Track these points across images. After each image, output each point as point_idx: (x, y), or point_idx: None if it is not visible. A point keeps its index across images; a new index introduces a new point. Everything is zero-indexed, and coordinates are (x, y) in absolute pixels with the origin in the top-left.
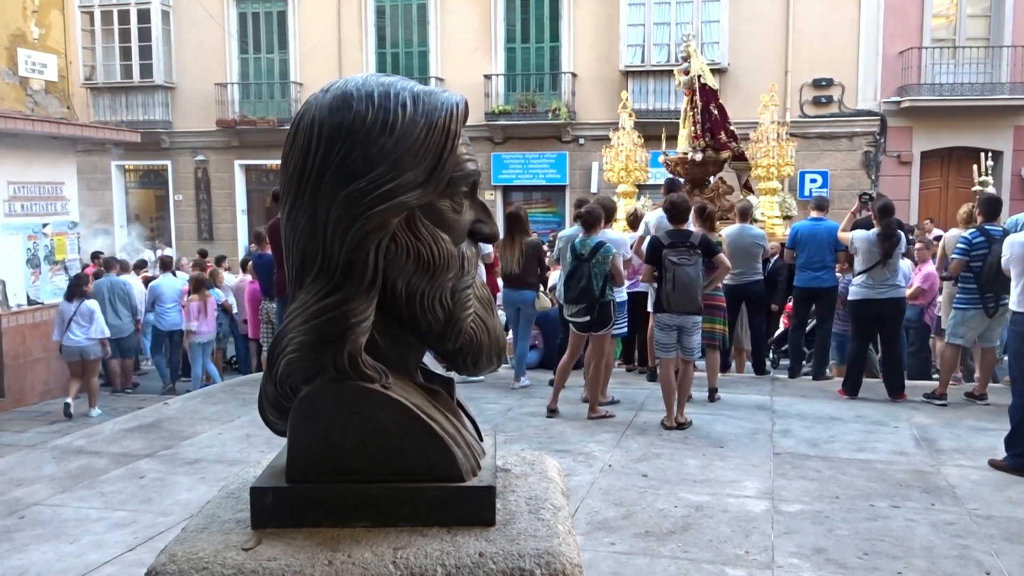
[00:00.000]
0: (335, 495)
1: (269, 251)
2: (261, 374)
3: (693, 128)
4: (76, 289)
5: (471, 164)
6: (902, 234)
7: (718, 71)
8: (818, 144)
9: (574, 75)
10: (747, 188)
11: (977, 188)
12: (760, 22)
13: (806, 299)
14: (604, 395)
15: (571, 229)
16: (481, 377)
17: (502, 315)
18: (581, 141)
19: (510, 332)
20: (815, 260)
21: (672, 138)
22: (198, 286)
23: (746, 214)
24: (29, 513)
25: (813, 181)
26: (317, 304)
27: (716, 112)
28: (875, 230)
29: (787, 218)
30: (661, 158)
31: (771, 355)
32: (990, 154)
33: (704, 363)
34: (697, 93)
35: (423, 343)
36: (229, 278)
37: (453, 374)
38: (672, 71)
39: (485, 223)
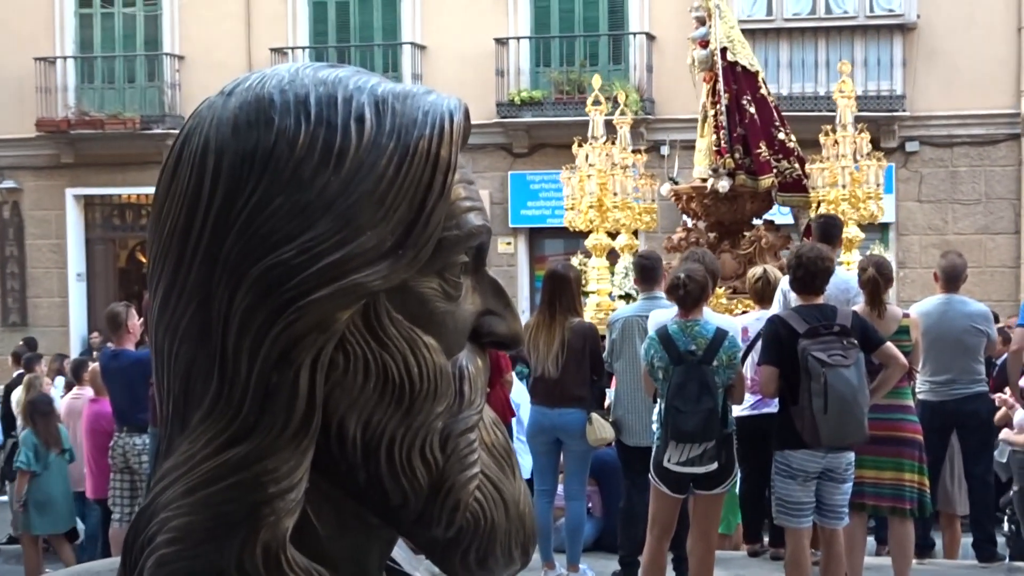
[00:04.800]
0: None
1: (131, 346)
2: (104, 563)
3: (715, 138)
4: None
5: (474, 216)
6: None
7: (900, 28)
8: None
9: (650, 38)
10: (810, 236)
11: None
12: None
13: None
14: None
15: (635, 306)
16: None
17: (526, 464)
18: (664, 150)
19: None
20: None
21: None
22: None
23: (955, 277)
24: None
25: None
26: (211, 461)
27: (754, 110)
28: None
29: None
30: (667, 188)
31: (1007, 525)
32: None
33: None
34: (720, 79)
35: (393, 526)
36: (57, 391)
37: None
38: (843, 26)
39: (500, 315)
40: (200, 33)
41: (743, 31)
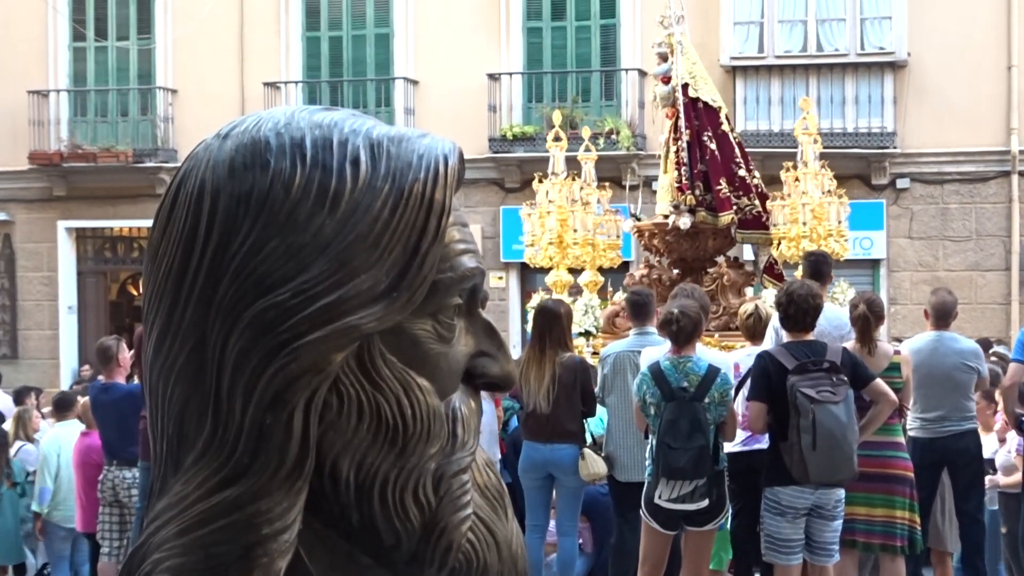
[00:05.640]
0: None
1: (121, 379)
2: None
3: (677, 174)
4: None
5: (468, 259)
6: None
7: (891, 66)
8: None
9: (642, 74)
10: (772, 275)
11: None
12: None
13: None
14: None
15: (627, 341)
16: None
17: None
18: (656, 186)
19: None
20: None
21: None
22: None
23: (945, 314)
24: None
25: None
26: (205, 502)
27: (715, 147)
28: None
29: None
30: (630, 224)
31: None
32: None
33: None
34: (682, 115)
35: (385, 567)
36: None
37: None
38: (832, 64)
39: (493, 357)
40: (193, 67)
41: (735, 68)
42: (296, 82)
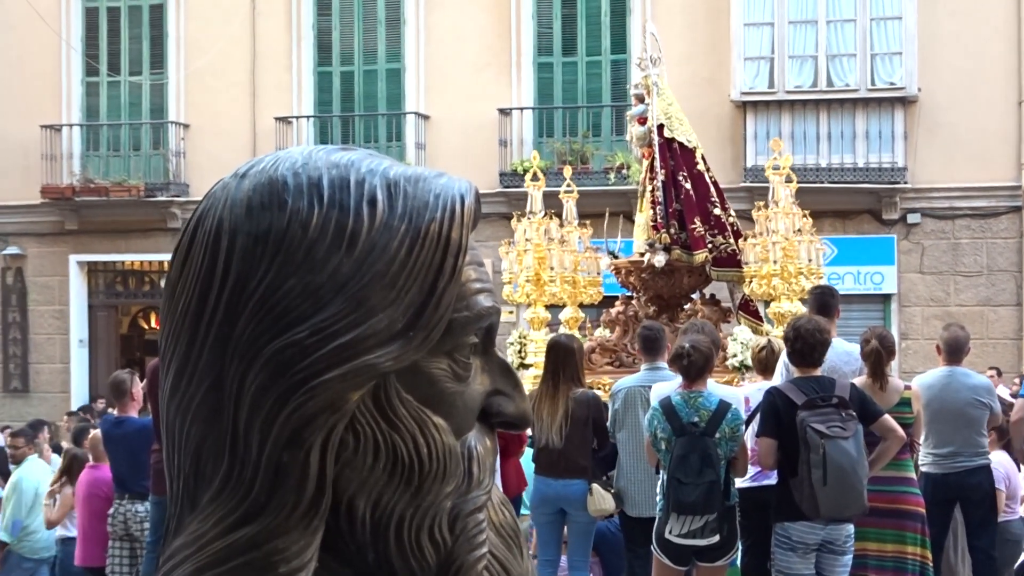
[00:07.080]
0: None
1: (134, 413)
2: None
3: (652, 213)
4: None
5: (484, 298)
6: None
7: (902, 101)
8: None
9: None
10: (747, 312)
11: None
12: (971, 22)
13: None
14: None
15: (637, 376)
16: None
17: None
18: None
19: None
20: None
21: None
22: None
23: (957, 350)
24: None
25: None
26: (221, 540)
27: (689, 186)
28: None
29: None
30: (608, 263)
31: None
32: None
33: None
34: (657, 155)
35: None
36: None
37: None
38: (842, 98)
39: (509, 396)
40: (206, 102)
41: (745, 103)
42: (308, 117)
